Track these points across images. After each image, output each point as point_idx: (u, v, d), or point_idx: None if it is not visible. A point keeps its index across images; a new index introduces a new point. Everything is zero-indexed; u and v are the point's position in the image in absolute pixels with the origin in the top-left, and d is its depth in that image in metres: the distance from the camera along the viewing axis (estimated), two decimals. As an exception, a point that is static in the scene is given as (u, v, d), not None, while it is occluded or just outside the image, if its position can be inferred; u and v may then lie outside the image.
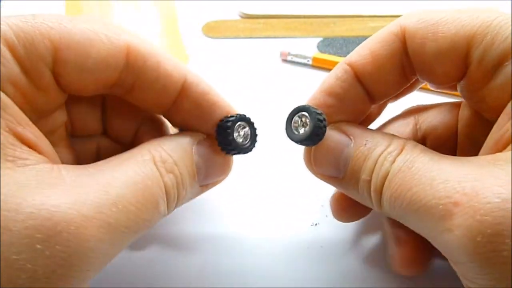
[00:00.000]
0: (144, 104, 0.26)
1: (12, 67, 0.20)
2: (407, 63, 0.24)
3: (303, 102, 0.27)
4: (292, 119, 0.25)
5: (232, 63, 0.46)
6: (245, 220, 0.32)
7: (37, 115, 0.23)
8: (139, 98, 0.25)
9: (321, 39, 0.49)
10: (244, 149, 0.26)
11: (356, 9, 0.52)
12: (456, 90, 0.25)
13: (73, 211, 0.19)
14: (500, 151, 0.21)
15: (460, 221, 0.19)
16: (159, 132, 0.29)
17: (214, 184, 0.27)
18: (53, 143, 0.23)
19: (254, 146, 0.27)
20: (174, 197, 0.23)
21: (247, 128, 0.26)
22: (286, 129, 0.25)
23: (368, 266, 0.29)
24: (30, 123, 0.21)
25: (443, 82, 0.25)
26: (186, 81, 0.25)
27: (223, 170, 0.27)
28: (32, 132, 0.21)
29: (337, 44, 0.48)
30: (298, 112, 0.25)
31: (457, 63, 0.23)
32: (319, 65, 0.46)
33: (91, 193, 0.20)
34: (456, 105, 0.28)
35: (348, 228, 0.31)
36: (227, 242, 0.31)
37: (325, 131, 0.24)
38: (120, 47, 0.23)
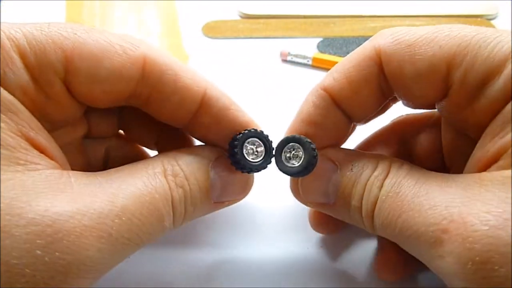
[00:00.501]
0: (162, 117, 0.25)
1: (21, 75, 0.20)
2: (385, 84, 0.24)
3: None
4: (282, 151, 0.24)
5: (232, 63, 0.46)
6: (245, 220, 0.32)
7: (51, 125, 0.23)
8: (157, 111, 0.24)
9: (321, 39, 0.49)
10: (256, 167, 0.25)
11: (356, 9, 0.52)
12: (434, 108, 0.25)
13: (75, 220, 0.19)
14: (484, 170, 0.21)
15: (451, 249, 0.19)
16: (182, 139, 0.28)
17: (231, 202, 0.26)
18: (68, 150, 0.23)
19: (268, 163, 0.25)
20: (181, 212, 0.23)
21: (260, 144, 0.25)
22: (277, 162, 0.25)
23: (368, 266, 0.29)
24: (42, 128, 0.21)
25: (422, 104, 0.24)
26: (206, 95, 0.24)
27: (242, 188, 0.26)
28: (44, 137, 0.21)
29: (337, 44, 0.48)
30: (287, 143, 0.24)
31: (437, 85, 0.22)
32: (319, 65, 0.46)
33: (96, 202, 0.20)
34: (440, 117, 0.27)
35: (348, 228, 0.31)
36: (226, 241, 0.31)
37: (317, 161, 0.24)
38: (135, 59, 0.22)
